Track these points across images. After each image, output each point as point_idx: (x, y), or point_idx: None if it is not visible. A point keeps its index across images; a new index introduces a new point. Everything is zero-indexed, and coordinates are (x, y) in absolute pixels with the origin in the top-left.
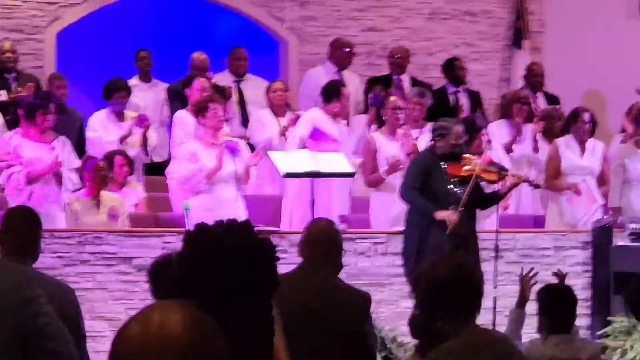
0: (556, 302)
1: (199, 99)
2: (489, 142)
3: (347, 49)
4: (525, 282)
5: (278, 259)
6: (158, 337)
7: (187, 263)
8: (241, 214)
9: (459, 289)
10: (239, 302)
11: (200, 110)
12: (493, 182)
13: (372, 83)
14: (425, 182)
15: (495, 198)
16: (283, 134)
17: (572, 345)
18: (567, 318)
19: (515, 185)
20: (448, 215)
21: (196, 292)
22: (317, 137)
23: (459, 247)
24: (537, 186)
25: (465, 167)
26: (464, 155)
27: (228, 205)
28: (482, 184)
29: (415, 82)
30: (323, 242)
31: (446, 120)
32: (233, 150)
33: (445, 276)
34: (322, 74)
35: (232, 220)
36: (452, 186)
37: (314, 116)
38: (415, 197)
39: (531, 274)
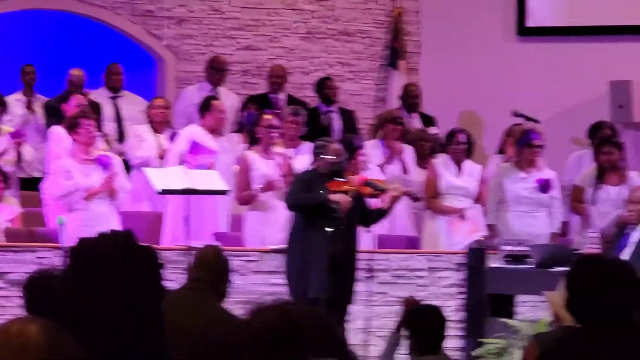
0: (424, 323)
1: (71, 115)
2: (366, 162)
3: (221, 68)
4: (408, 305)
5: (161, 266)
6: (19, 342)
7: (73, 276)
8: (115, 229)
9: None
10: (127, 310)
11: (72, 126)
12: (373, 196)
13: (249, 102)
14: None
15: (379, 214)
16: (161, 157)
17: None
18: (435, 339)
19: (396, 198)
20: (342, 197)
21: (85, 303)
22: (195, 151)
23: (338, 266)
24: (417, 199)
25: (347, 186)
26: (345, 173)
27: (102, 221)
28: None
29: (291, 100)
30: (211, 267)
31: (324, 139)
32: (106, 165)
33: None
34: (197, 92)
35: (115, 231)
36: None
37: (192, 131)
38: (300, 197)
39: (412, 301)
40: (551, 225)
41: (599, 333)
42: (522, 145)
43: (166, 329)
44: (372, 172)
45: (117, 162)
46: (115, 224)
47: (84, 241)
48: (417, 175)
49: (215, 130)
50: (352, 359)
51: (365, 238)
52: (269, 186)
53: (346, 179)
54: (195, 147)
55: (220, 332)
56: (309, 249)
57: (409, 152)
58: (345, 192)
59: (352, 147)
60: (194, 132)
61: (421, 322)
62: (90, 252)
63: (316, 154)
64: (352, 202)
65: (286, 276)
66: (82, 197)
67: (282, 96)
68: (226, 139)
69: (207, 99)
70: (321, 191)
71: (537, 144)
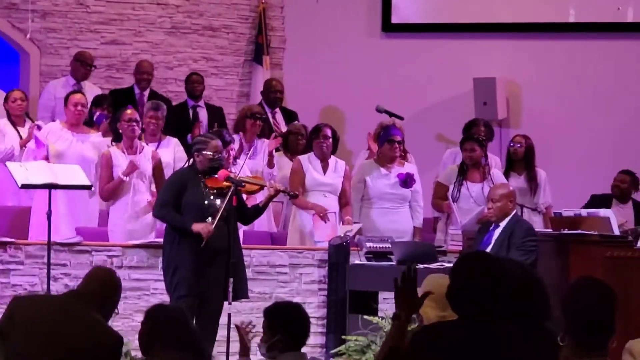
0: (289, 320)
1: None
2: (235, 157)
3: (88, 63)
4: (243, 331)
5: None
6: None
7: None
8: None
9: None
10: None
11: None
12: (252, 192)
13: (115, 96)
14: (181, 196)
15: (256, 211)
16: (23, 145)
17: None
18: (301, 335)
19: (273, 196)
20: (203, 228)
21: None
22: (37, 145)
23: (212, 262)
24: (294, 195)
25: (225, 181)
26: (223, 169)
27: None
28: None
29: (153, 96)
30: (102, 288)
31: (204, 136)
32: None
33: None
34: (61, 86)
35: None
36: (212, 198)
37: (46, 127)
38: (168, 214)
39: (247, 327)
40: (414, 220)
41: (475, 325)
42: (382, 141)
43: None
44: (239, 167)
45: None
46: None
47: None
48: (288, 168)
49: (74, 125)
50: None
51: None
52: (131, 167)
53: (215, 173)
54: (37, 142)
55: (94, 342)
56: (186, 246)
57: (274, 146)
58: (222, 189)
59: (223, 142)
60: (45, 128)
61: (285, 319)
62: None
63: (196, 150)
64: (213, 232)
65: (163, 273)
66: None
67: (146, 92)
68: (95, 135)
69: (67, 94)
70: (186, 218)
71: (397, 139)
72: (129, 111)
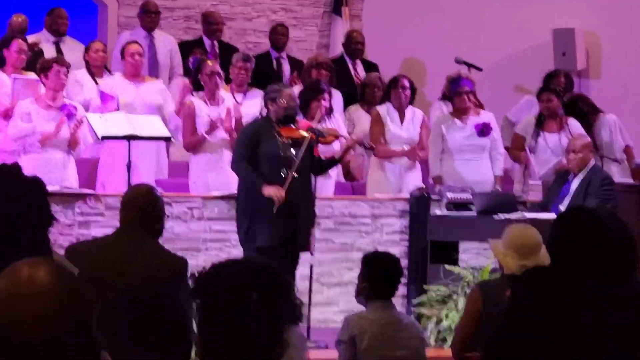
0: (385, 270)
1: (44, 59)
2: (330, 108)
3: (152, 11)
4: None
5: (48, 196)
6: (29, 286)
7: None
8: (71, 178)
9: None
10: (14, 239)
11: (43, 70)
12: (327, 143)
13: (184, 47)
14: (257, 148)
15: (331, 163)
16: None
17: (393, 310)
18: (391, 286)
19: (349, 147)
20: (275, 192)
21: None
22: (103, 99)
23: (292, 214)
24: (371, 147)
25: (300, 131)
26: (298, 118)
27: (56, 168)
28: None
29: (223, 46)
30: (141, 207)
31: (277, 84)
32: (70, 115)
33: None
34: (131, 37)
35: (2, 164)
36: (288, 148)
37: (105, 82)
38: (244, 170)
39: None
40: (494, 169)
41: (574, 276)
42: (453, 93)
43: (102, 274)
44: (337, 121)
45: (81, 112)
46: (72, 171)
47: None
48: (364, 121)
49: (133, 75)
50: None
51: (324, 185)
52: (213, 126)
53: (297, 124)
54: (102, 96)
55: (157, 271)
56: (262, 197)
57: (337, 97)
58: (297, 139)
59: (318, 89)
60: (106, 81)
61: (374, 269)
62: None
63: (270, 98)
64: (285, 198)
65: (237, 223)
66: (38, 141)
67: (215, 43)
68: (155, 82)
69: (122, 46)
70: (259, 180)
71: (465, 90)
72: (210, 62)
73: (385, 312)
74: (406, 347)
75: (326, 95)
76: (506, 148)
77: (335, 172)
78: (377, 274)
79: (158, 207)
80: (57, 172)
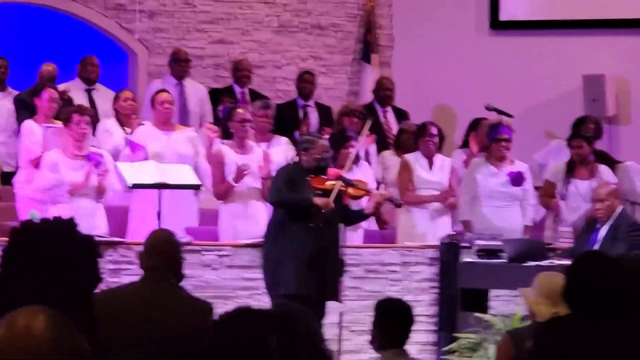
0: (395, 317)
1: (66, 109)
2: (358, 156)
3: (182, 59)
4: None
5: (100, 255)
6: (24, 336)
7: (13, 255)
8: (101, 227)
9: None
10: (63, 293)
11: (65, 120)
12: (356, 197)
13: (214, 95)
14: (290, 190)
15: (360, 216)
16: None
17: (406, 358)
18: (402, 333)
19: (379, 203)
20: (325, 202)
21: (22, 283)
22: (132, 148)
23: (319, 263)
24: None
25: (329, 182)
26: (329, 169)
27: (85, 217)
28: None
29: (254, 94)
30: (164, 253)
31: (311, 135)
32: (97, 164)
33: None
34: (162, 86)
35: (58, 217)
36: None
37: (136, 131)
38: (287, 194)
39: None
40: (524, 219)
41: (593, 320)
42: (491, 139)
43: (133, 324)
44: (364, 169)
45: (108, 160)
46: (101, 219)
47: (24, 223)
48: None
49: (164, 123)
50: (326, 355)
51: (351, 234)
52: (240, 172)
53: (327, 175)
54: (132, 146)
55: (185, 317)
56: (289, 243)
57: (372, 147)
58: (328, 190)
59: (344, 137)
60: (137, 131)
61: (388, 315)
62: (31, 234)
63: (303, 148)
64: (334, 208)
65: (263, 270)
66: (67, 192)
67: (245, 90)
68: (186, 130)
69: (153, 95)
70: (307, 193)
71: (504, 137)
72: (240, 110)
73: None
74: None
75: (354, 143)
76: (536, 188)
77: (366, 223)
78: (387, 321)
79: (180, 252)
80: (87, 221)
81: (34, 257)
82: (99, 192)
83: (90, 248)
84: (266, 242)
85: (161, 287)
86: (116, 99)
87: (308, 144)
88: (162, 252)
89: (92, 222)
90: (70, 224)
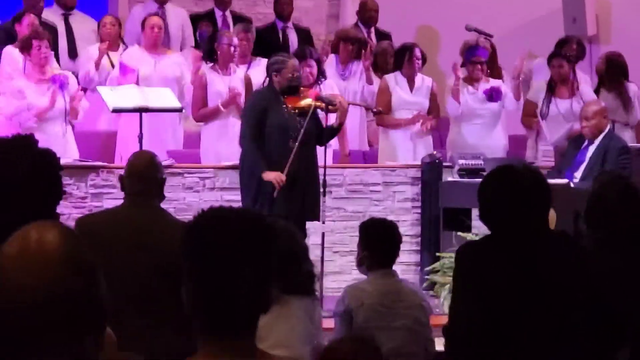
0: (382, 237)
1: (23, 36)
2: (322, 75)
3: None
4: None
5: (61, 168)
6: (38, 250)
7: None
8: (72, 150)
9: None
10: (23, 207)
11: (24, 48)
12: (333, 110)
13: (195, 20)
14: (263, 119)
15: (331, 132)
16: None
17: (394, 278)
18: (390, 254)
19: (343, 113)
20: (276, 177)
21: None
22: (122, 72)
23: (296, 186)
24: (379, 112)
25: (306, 100)
26: (302, 88)
27: (56, 141)
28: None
29: (236, 17)
30: (146, 176)
31: (281, 55)
32: (62, 85)
33: None
34: (143, 10)
35: (17, 135)
36: (294, 118)
37: (126, 53)
38: (249, 151)
39: None
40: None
41: (511, 238)
42: (466, 61)
43: (120, 250)
44: (327, 87)
45: (72, 81)
46: (71, 144)
47: None
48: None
49: (153, 47)
50: (309, 276)
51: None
52: (232, 98)
53: (301, 94)
54: (122, 68)
55: (173, 241)
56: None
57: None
58: (303, 108)
59: (302, 55)
60: (127, 53)
61: (376, 236)
62: None
63: (274, 69)
64: (285, 181)
65: (241, 196)
66: (34, 116)
67: (227, 13)
68: (173, 55)
69: (143, 18)
70: (261, 165)
71: (480, 60)
72: (228, 33)
73: (386, 281)
74: (406, 316)
75: (311, 62)
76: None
77: (335, 141)
78: (374, 242)
79: (162, 174)
80: (57, 145)
81: None
82: (72, 114)
83: (50, 161)
84: (243, 167)
85: (147, 212)
86: (100, 25)
87: (278, 64)
88: (145, 176)
89: (64, 145)
90: (28, 139)
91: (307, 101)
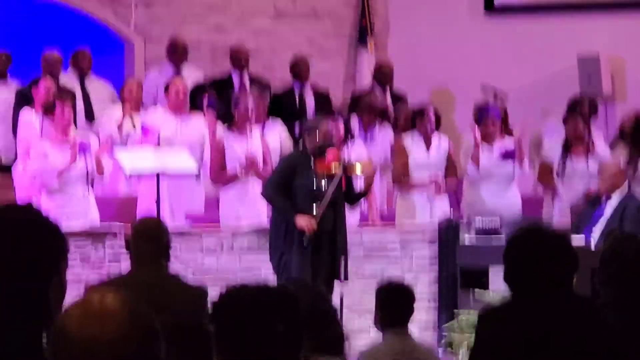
0: (394, 298)
1: (46, 99)
2: (348, 135)
3: (178, 48)
4: None
5: (64, 238)
6: (100, 312)
7: None
8: (92, 212)
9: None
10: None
11: (48, 109)
12: (354, 173)
13: (209, 86)
14: (292, 179)
15: (358, 195)
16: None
17: (408, 338)
18: (404, 313)
19: (369, 180)
20: (307, 224)
21: None
22: (144, 132)
23: (324, 244)
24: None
25: (333, 164)
26: (328, 150)
27: (78, 203)
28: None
29: (253, 80)
30: (156, 239)
31: (315, 119)
32: (83, 148)
33: None
34: (159, 74)
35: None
36: (322, 181)
37: (148, 114)
38: (275, 197)
39: None
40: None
41: (534, 304)
42: (479, 122)
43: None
44: (356, 150)
45: (94, 141)
46: (92, 206)
47: None
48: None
49: (176, 110)
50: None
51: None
52: (251, 166)
53: (326, 157)
54: (144, 130)
55: (183, 301)
56: (292, 229)
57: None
58: (332, 173)
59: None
60: (148, 114)
61: (389, 296)
62: None
63: (306, 131)
64: (316, 228)
65: (269, 254)
66: (55, 177)
67: (245, 78)
68: (195, 116)
69: (167, 82)
70: (292, 209)
71: (492, 120)
72: (245, 96)
73: (400, 340)
74: None
75: (339, 123)
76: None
77: (364, 202)
78: (388, 302)
79: (169, 237)
80: (78, 207)
81: None
82: (98, 170)
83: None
84: (272, 225)
85: (157, 272)
86: (123, 89)
87: (311, 129)
88: (154, 238)
89: (85, 208)
90: (29, 207)
91: (334, 166)
